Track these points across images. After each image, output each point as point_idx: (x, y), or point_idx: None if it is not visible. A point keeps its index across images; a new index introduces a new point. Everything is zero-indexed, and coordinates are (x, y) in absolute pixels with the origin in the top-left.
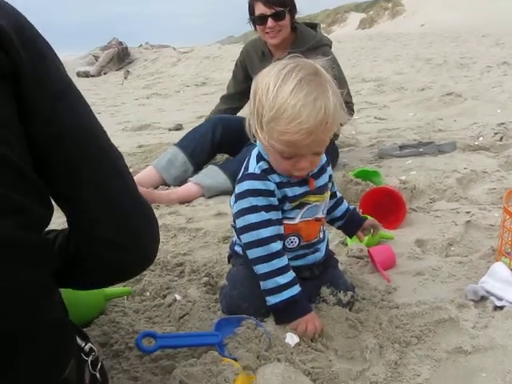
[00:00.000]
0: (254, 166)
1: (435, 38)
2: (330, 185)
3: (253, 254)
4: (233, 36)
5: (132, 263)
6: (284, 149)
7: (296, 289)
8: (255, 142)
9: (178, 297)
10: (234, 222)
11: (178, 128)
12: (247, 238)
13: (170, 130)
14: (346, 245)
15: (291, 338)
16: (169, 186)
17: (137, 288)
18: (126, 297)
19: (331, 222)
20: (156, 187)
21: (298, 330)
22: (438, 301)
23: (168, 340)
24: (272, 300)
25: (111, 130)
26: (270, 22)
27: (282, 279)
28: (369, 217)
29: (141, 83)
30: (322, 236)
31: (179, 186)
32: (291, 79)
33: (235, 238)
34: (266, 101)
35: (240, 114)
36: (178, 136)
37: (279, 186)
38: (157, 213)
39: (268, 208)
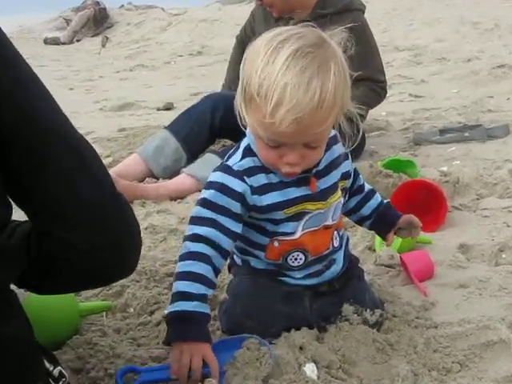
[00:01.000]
0: (235, 160)
1: None
2: (344, 183)
3: (180, 250)
4: None
5: (107, 266)
6: (267, 135)
7: (195, 305)
8: (244, 126)
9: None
10: None
11: (169, 107)
12: (187, 230)
13: (158, 109)
14: (374, 251)
15: (311, 370)
16: (157, 179)
17: (118, 303)
18: (105, 313)
19: (359, 222)
20: (141, 180)
21: (174, 357)
22: (486, 319)
23: (154, 374)
24: (168, 307)
25: (86, 110)
26: None
27: (184, 286)
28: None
29: (122, 52)
30: (336, 244)
31: (170, 178)
32: (284, 49)
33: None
34: (251, 74)
35: None
36: (169, 117)
37: (264, 189)
38: (143, 211)
39: (219, 209)
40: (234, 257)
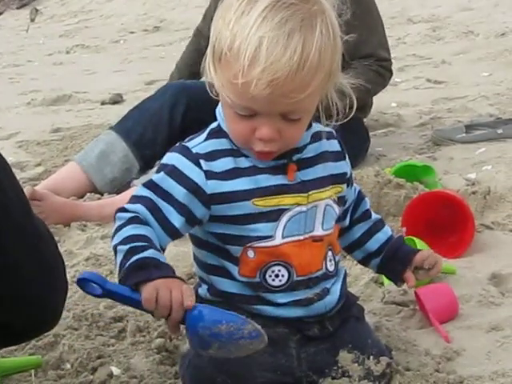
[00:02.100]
0: (197, 142)
1: None
2: (339, 189)
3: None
4: None
5: (17, 323)
6: (238, 101)
7: (149, 253)
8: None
9: (115, 370)
10: (195, 259)
11: (117, 100)
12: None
13: (103, 103)
14: (382, 284)
15: None
16: (101, 195)
17: (51, 357)
18: (33, 371)
19: (365, 260)
20: (81, 196)
21: (147, 294)
22: None
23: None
24: (122, 271)
25: (9, 105)
26: None
27: (129, 245)
28: (417, 240)
29: (57, 29)
30: (331, 268)
31: (118, 193)
32: (260, 1)
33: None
34: (222, 27)
35: None
36: (117, 113)
37: (229, 174)
38: (82, 236)
39: (159, 191)
40: (199, 290)
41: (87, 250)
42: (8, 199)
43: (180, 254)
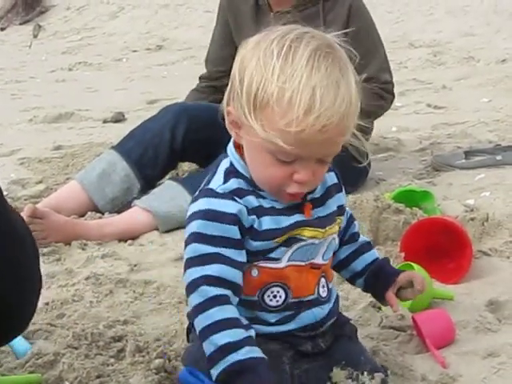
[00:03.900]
0: (217, 183)
1: None
2: (340, 219)
3: (190, 303)
4: None
5: None
6: (286, 147)
7: (245, 352)
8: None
9: None
10: None
11: (119, 119)
12: (184, 279)
13: (105, 121)
14: (379, 308)
15: None
16: (102, 213)
17: (50, 375)
18: None
19: (352, 279)
20: (82, 215)
21: None
22: None
23: None
24: (214, 373)
25: (11, 122)
26: None
27: (223, 338)
28: (415, 266)
29: (60, 46)
30: (324, 294)
31: (118, 213)
32: (302, 49)
33: None
34: (263, 77)
35: None
36: (119, 132)
37: (257, 211)
38: (83, 255)
39: (219, 240)
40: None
41: (87, 268)
42: None
43: (180, 274)
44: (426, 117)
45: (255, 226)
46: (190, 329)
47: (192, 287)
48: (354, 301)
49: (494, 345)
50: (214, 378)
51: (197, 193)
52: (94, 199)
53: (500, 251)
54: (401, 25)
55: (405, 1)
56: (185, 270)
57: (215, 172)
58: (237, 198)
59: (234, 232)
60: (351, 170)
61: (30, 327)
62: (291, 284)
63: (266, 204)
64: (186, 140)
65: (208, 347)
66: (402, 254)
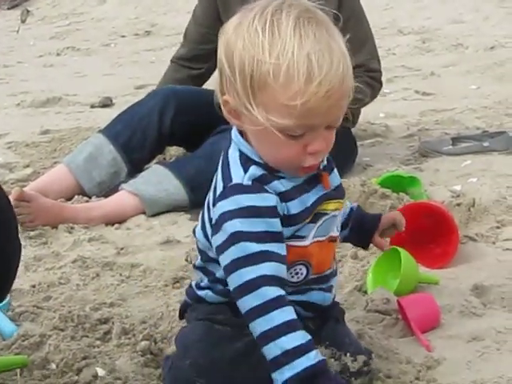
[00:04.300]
0: (240, 175)
1: None
2: None
3: (243, 305)
4: None
5: None
6: (292, 122)
7: (315, 356)
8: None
9: (100, 371)
10: (199, 250)
11: (106, 104)
12: (233, 281)
13: (92, 106)
14: (365, 292)
15: None
16: (89, 197)
17: (36, 357)
18: (19, 371)
19: None
20: (69, 198)
21: None
22: (505, 381)
23: None
24: (279, 377)
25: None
26: None
27: (289, 342)
28: (401, 251)
29: (47, 30)
30: (335, 267)
31: (105, 196)
32: (284, 20)
33: (200, 278)
34: (257, 56)
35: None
36: (106, 117)
37: (283, 197)
38: (69, 239)
39: (265, 236)
40: (199, 291)
41: (74, 252)
42: None
43: (166, 258)
44: (414, 103)
45: (285, 212)
46: (186, 308)
47: (248, 288)
48: (339, 285)
49: (479, 329)
50: (278, 382)
51: (221, 190)
52: (81, 182)
53: (486, 236)
54: (390, 11)
55: None
56: (232, 272)
57: (228, 165)
58: (267, 188)
59: (277, 225)
60: (338, 156)
61: (17, 309)
62: (313, 261)
63: (287, 184)
64: (174, 123)
65: (272, 350)
66: (388, 240)
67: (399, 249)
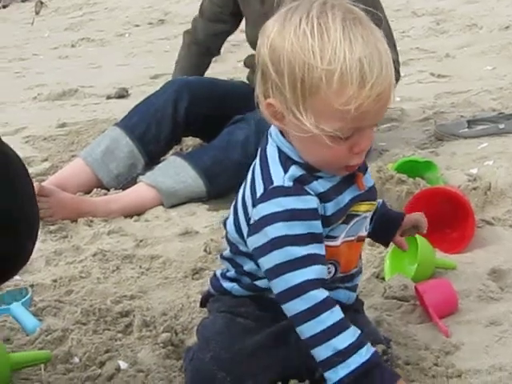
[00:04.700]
0: (280, 176)
1: None
2: None
3: (291, 309)
4: None
5: None
6: (344, 126)
7: (367, 350)
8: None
9: (122, 364)
10: (229, 242)
11: (122, 95)
12: (278, 286)
13: (108, 97)
14: (383, 279)
15: None
16: (108, 190)
17: (60, 351)
18: (43, 365)
19: None
20: (88, 191)
21: None
22: None
23: None
24: (333, 376)
25: (15, 100)
26: None
27: (341, 342)
28: (418, 237)
29: (62, 22)
30: (360, 265)
31: (123, 189)
32: (331, 23)
33: (227, 268)
34: (308, 61)
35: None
36: (123, 108)
37: (323, 197)
38: (89, 232)
39: (308, 239)
40: (224, 282)
41: (94, 245)
42: None
43: (185, 249)
44: (429, 86)
45: (322, 213)
46: (208, 298)
47: (295, 293)
48: None
49: (497, 313)
50: (332, 381)
51: (262, 192)
52: (98, 176)
53: (503, 220)
54: None
55: None
56: (277, 276)
57: (267, 162)
58: (308, 189)
59: (319, 227)
60: None
61: (39, 304)
62: (341, 260)
63: (326, 185)
64: (188, 114)
65: (324, 352)
66: None
67: (416, 235)
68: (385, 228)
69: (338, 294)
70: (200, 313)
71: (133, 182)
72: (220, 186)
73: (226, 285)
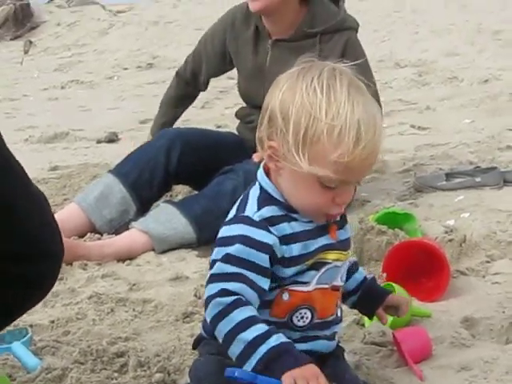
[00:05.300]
0: (252, 211)
1: None
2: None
3: (208, 315)
4: None
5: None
6: (333, 176)
7: (275, 339)
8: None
9: None
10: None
11: (112, 139)
12: (207, 292)
13: (99, 141)
14: (363, 325)
15: None
16: (101, 234)
17: None
18: None
19: (342, 298)
20: (82, 235)
21: None
22: None
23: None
24: (248, 367)
25: (8, 140)
26: None
27: (250, 333)
28: (396, 286)
29: (51, 62)
30: (339, 314)
31: (116, 233)
32: (338, 86)
33: None
34: (314, 114)
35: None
36: (113, 152)
37: (289, 239)
38: (84, 275)
39: (246, 263)
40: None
41: (89, 288)
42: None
43: (176, 294)
44: (409, 138)
45: (286, 255)
46: (200, 341)
47: (209, 300)
48: None
49: (468, 359)
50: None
51: (231, 217)
52: (92, 220)
53: (476, 271)
54: (387, 43)
55: (391, 19)
56: (206, 286)
57: (247, 199)
58: (271, 229)
59: (265, 260)
60: None
61: (38, 344)
62: (317, 306)
63: (298, 228)
64: (180, 164)
65: (236, 347)
66: (384, 275)
67: (394, 285)
68: (370, 301)
69: (317, 345)
70: (191, 355)
71: (125, 226)
72: (209, 234)
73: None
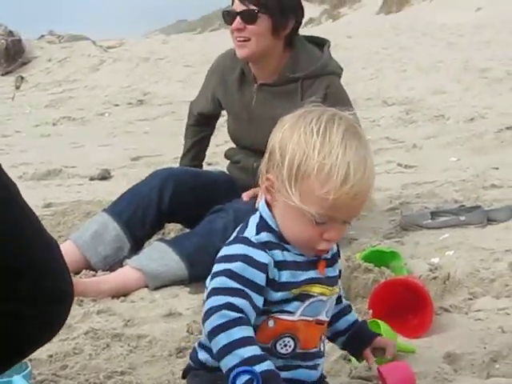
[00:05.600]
0: (251, 234)
1: (496, 34)
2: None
3: (207, 326)
4: (185, 20)
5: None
6: (321, 212)
7: (269, 364)
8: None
9: None
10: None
11: (105, 176)
12: (210, 302)
13: (92, 178)
14: (349, 361)
15: None
16: (95, 271)
17: None
18: None
19: (333, 337)
20: (77, 272)
21: None
22: None
23: None
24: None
25: None
26: (237, 21)
27: (247, 352)
28: (381, 323)
29: (42, 98)
30: (322, 348)
31: (111, 270)
32: (335, 129)
33: (203, 340)
34: (305, 153)
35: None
36: (106, 189)
37: (280, 265)
38: (80, 311)
39: (249, 283)
40: (199, 354)
41: (85, 323)
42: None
43: (169, 329)
44: (396, 176)
45: (276, 278)
46: (188, 371)
47: (213, 311)
48: (326, 353)
49: None
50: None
51: (231, 239)
52: (87, 257)
53: (459, 308)
54: (374, 82)
55: (379, 56)
56: (208, 298)
57: (247, 225)
58: (267, 250)
59: (262, 279)
60: None
61: (37, 377)
62: (300, 336)
63: (289, 257)
64: (172, 202)
65: (230, 361)
66: (370, 311)
67: (379, 322)
68: (358, 342)
69: (299, 373)
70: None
71: (119, 263)
72: (201, 270)
73: (201, 355)
